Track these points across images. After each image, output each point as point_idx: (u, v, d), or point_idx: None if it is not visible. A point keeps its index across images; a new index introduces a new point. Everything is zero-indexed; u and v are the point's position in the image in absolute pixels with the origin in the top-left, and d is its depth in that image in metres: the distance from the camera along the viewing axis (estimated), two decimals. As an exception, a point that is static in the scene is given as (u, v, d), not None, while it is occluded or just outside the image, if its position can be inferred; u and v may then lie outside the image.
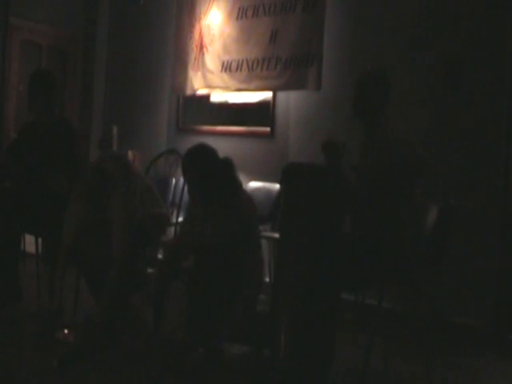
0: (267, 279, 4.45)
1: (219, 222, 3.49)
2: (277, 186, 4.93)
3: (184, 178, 3.85)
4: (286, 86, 5.17)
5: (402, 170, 3.14)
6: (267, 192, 5.02)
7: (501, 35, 4.22)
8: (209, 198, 3.54)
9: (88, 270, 3.89)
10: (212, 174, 3.50)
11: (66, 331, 3.67)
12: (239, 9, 5.50)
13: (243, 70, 5.43)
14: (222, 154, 3.70)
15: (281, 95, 5.36)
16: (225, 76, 5.58)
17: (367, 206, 3.24)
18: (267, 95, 5.43)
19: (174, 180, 5.29)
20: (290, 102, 5.28)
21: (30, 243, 4.41)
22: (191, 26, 5.91)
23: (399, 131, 3.29)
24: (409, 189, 3.20)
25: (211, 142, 3.90)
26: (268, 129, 5.43)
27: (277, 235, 3.78)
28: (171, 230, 4.89)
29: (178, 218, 4.87)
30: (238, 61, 5.47)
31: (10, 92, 6.20)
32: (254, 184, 5.22)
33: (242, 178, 3.70)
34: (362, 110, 3.32)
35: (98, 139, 6.67)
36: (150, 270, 4.19)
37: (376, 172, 3.17)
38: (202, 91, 5.84)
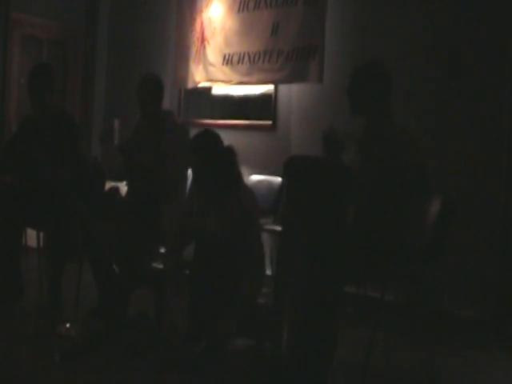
0: (269, 273, 4.44)
1: (220, 214, 3.48)
2: (279, 180, 4.91)
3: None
4: (288, 79, 5.15)
5: (402, 182, 3.09)
6: (269, 185, 5.00)
7: (502, 34, 4.19)
8: (212, 182, 3.54)
9: (99, 261, 3.95)
10: (217, 159, 3.51)
11: (67, 326, 3.67)
12: (240, 1, 5.47)
13: (245, 63, 5.41)
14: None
15: (282, 88, 5.33)
16: (226, 69, 5.56)
17: (370, 200, 3.23)
18: (269, 88, 5.42)
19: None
20: (292, 94, 5.26)
21: (31, 237, 4.40)
22: (192, 19, 5.89)
23: (402, 127, 3.26)
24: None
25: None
26: (270, 122, 5.41)
27: (279, 228, 3.77)
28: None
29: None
30: (240, 54, 5.45)
31: (12, 86, 6.19)
32: (255, 177, 5.20)
33: (243, 171, 3.68)
34: (358, 108, 3.27)
35: (99, 133, 6.65)
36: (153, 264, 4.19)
37: (377, 176, 3.14)
38: (203, 84, 5.83)
